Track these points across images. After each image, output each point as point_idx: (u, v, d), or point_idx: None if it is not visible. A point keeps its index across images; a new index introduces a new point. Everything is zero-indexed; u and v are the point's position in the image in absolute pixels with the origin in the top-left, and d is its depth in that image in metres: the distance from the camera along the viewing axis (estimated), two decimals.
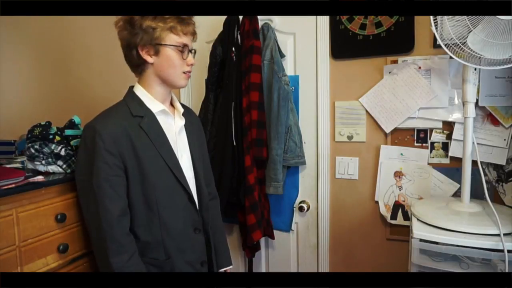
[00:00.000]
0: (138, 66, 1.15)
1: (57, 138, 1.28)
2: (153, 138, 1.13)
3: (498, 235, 1.12)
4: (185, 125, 1.26)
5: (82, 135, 1.12)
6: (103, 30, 2.04)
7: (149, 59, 1.12)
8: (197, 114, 1.87)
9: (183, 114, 1.26)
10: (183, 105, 1.29)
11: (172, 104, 1.26)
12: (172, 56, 1.13)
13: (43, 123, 1.29)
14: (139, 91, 1.17)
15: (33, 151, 1.23)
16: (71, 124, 1.33)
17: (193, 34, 1.18)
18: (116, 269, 1.06)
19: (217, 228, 1.39)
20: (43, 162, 1.25)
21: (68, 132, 1.31)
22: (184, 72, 1.16)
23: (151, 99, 1.17)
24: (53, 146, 1.25)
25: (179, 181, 1.16)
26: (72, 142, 1.30)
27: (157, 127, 1.15)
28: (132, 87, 1.20)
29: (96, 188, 1.05)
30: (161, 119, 1.17)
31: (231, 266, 1.42)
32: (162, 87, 1.18)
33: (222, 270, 1.39)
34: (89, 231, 1.13)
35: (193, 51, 1.19)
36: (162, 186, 1.13)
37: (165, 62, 1.13)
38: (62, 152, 1.26)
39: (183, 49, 1.13)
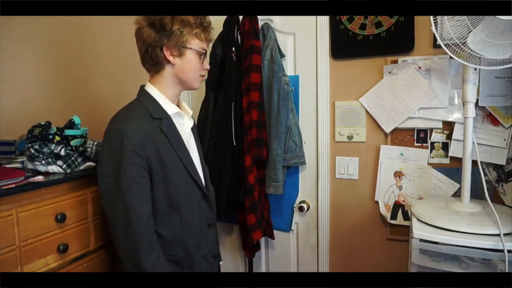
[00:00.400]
0: (157, 65, 1.18)
1: (57, 138, 1.28)
2: (172, 140, 1.17)
3: (498, 235, 1.12)
4: (191, 127, 1.32)
5: (106, 138, 1.12)
6: (104, 29, 2.04)
7: (172, 59, 1.17)
8: (197, 114, 1.88)
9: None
10: None
11: (178, 106, 1.30)
12: (194, 60, 1.19)
13: (43, 123, 1.29)
14: (153, 91, 1.20)
15: (33, 151, 1.23)
16: (71, 124, 1.33)
17: (211, 41, 1.26)
18: (148, 268, 1.08)
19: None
20: (43, 162, 1.25)
21: (68, 132, 1.31)
22: (200, 75, 1.24)
23: (166, 100, 1.20)
24: (53, 146, 1.25)
25: (194, 180, 1.21)
26: (72, 142, 1.30)
27: (174, 130, 1.20)
28: (143, 86, 1.23)
29: (125, 189, 1.07)
30: (175, 120, 1.22)
31: (221, 262, 1.46)
32: (176, 88, 1.23)
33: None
34: (114, 233, 1.12)
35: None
36: (182, 186, 1.18)
37: (187, 64, 1.19)
38: (62, 152, 1.26)
39: (202, 54, 1.21)
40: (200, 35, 1.19)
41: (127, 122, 1.11)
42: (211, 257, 1.29)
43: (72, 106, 1.93)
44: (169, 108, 1.20)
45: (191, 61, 1.19)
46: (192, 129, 1.32)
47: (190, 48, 1.17)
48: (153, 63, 1.18)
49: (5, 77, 1.61)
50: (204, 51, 1.21)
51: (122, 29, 2.03)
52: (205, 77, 1.31)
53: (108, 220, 1.13)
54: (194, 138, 1.33)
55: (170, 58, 1.17)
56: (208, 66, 1.26)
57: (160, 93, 1.20)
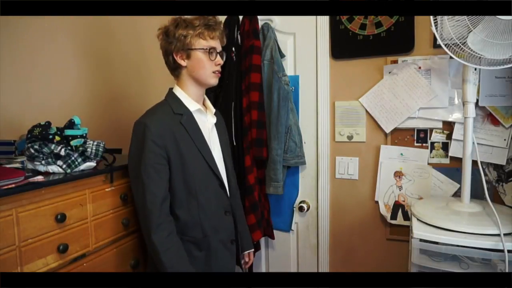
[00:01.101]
0: (175, 70, 1.32)
1: (57, 138, 1.28)
2: (191, 132, 1.28)
3: (498, 235, 1.12)
4: (215, 124, 1.41)
5: (133, 130, 1.26)
6: (104, 29, 2.04)
7: (183, 62, 1.29)
8: None
9: (214, 114, 1.41)
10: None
11: (204, 104, 1.41)
12: (202, 58, 1.28)
13: (42, 123, 1.29)
14: (178, 92, 1.33)
15: (32, 151, 1.23)
16: (71, 124, 1.33)
17: (221, 37, 1.33)
18: (157, 244, 1.18)
19: (240, 217, 1.54)
20: (43, 162, 1.25)
21: (68, 132, 1.30)
22: (213, 72, 1.31)
23: (189, 99, 1.32)
24: (52, 146, 1.24)
25: (212, 169, 1.31)
26: (72, 142, 1.29)
27: (194, 124, 1.31)
28: (171, 89, 1.36)
29: (144, 174, 1.20)
30: (197, 116, 1.33)
31: (252, 249, 1.58)
32: (196, 87, 1.33)
33: (246, 252, 1.55)
34: (137, 211, 1.28)
35: (222, 53, 1.33)
36: (199, 173, 1.28)
37: (196, 64, 1.29)
38: (62, 152, 1.25)
39: (210, 51, 1.28)
40: (203, 34, 1.26)
41: (150, 116, 1.25)
42: (229, 241, 1.37)
43: (71, 106, 1.93)
44: (191, 105, 1.31)
45: (199, 60, 1.28)
46: (217, 125, 1.42)
47: (195, 49, 1.26)
48: (170, 68, 1.33)
49: (5, 77, 1.61)
50: (210, 48, 1.27)
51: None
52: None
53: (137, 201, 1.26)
54: (219, 133, 1.43)
55: (181, 61, 1.28)
56: (220, 61, 1.32)
57: (183, 93, 1.32)
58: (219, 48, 1.32)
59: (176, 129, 1.25)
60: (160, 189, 1.21)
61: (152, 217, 1.19)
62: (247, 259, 1.56)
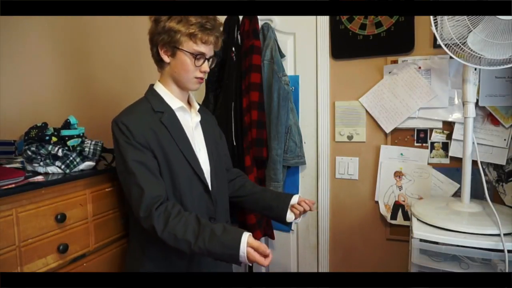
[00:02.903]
0: (158, 62, 1.24)
1: (54, 139, 1.28)
2: (172, 132, 1.19)
3: (498, 235, 1.12)
4: (200, 122, 1.31)
5: (112, 131, 1.16)
6: (106, 30, 2.04)
7: (166, 59, 1.19)
8: None
9: (198, 111, 1.32)
10: (198, 104, 1.35)
11: (188, 102, 1.32)
12: (186, 61, 1.18)
13: (39, 124, 1.28)
14: (159, 88, 1.25)
15: (30, 153, 1.23)
16: (67, 125, 1.33)
17: (215, 41, 1.22)
18: (161, 235, 1.06)
19: (264, 189, 1.46)
20: (41, 163, 1.25)
21: (64, 132, 1.30)
22: (196, 77, 1.22)
23: (171, 96, 1.24)
24: (50, 147, 1.24)
25: (196, 173, 1.21)
26: (68, 143, 1.29)
27: (176, 122, 1.22)
28: (153, 85, 1.28)
29: (133, 171, 1.09)
30: (179, 115, 1.24)
31: (298, 195, 1.40)
32: (176, 86, 1.25)
33: (296, 196, 1.38)
34: (133, 217, 1.16)
35: (211, 59, 1.23)
36: (183, 177, 1.19)
37: (179, 65, 1.19)
38: (59, 153, 1.25)
39: (197, 56, 1.18)
40: (195, 37, 1.15)
41: (126, 114, 1.17)
42: None
43: (72, 105, 1.93)
44: (173, 103, 1.23)
45: (183, 62, 1.18)
46: (202, 123, 1.32)
47: (182, 50, 1.16)
48: (155, 60, 1.23)
49: (5, 77, 1.61)
50: (198, 53, 1.17)
51: (128, 28, 2.03)
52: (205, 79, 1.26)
53: (131, 206, 1.14)
54: (205, 132, 1.32)
55: (165, 57, 1.19)
56: (206, 69, 1.21)
57: (165, 89, 1.24)
58: (209, 54, 1.21)
59: (157, 128, 1.16)
60: (160, 190, 1.11)
61: (155, 220, 1.06)
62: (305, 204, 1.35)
